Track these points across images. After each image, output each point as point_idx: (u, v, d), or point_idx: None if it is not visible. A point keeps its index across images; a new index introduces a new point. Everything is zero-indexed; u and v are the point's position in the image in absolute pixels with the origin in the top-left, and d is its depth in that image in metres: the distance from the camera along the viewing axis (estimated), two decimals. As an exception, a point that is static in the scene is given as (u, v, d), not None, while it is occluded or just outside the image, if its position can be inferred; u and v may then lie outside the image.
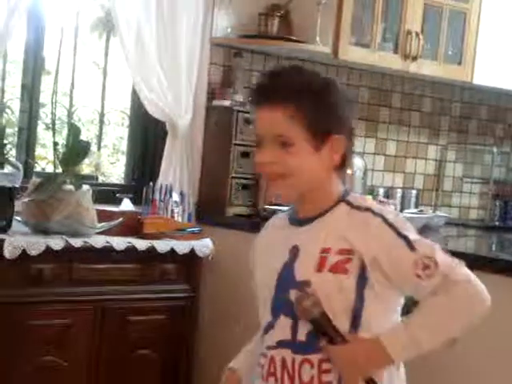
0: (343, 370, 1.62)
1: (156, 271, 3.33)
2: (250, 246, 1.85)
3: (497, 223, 4.89)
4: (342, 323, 1.63)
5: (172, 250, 3.36)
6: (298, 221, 1.72)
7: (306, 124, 1.65)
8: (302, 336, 1.65)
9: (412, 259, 1.62)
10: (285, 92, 1.65)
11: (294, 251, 1.68)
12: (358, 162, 4.18)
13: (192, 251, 3.43)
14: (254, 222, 3.63)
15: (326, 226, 1.68)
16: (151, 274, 3.32)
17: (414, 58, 4.17)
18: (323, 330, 1.62)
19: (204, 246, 3.48)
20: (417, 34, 4.15)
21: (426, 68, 4.28)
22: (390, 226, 1.64)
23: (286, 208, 1.84)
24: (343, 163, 1.71)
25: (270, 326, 1.70)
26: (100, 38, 3.86)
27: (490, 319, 2.92)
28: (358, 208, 1.68)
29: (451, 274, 1.62)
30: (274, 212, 3.69)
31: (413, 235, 1.65)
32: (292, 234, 1.72)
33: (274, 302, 1.69)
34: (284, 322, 1.66)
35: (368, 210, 1.67)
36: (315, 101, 1.66)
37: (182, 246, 3.40)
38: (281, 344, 1.67)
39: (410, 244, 1.63)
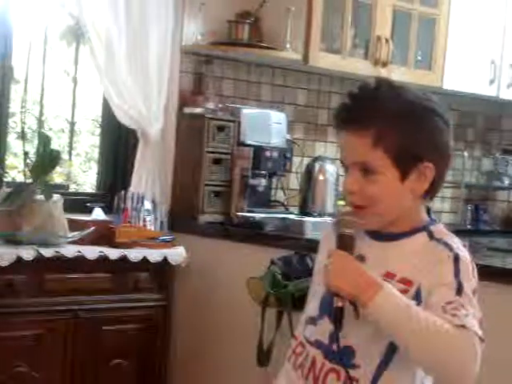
0: (334, 268, 1.54)
1: (129, 280, 3.32)
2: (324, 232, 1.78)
3: (469, 227, 4.92)
4: (376, 350, 1.58)
5: (144, 259, 3.34)
6: (372, 232, 1.64)
7: (394, 150, 1.57)
8: (337, 347, 1.58)
9: (451, 298, 1.51)
10: (372, 116, 1.57)
11: (359, 260, 1.59)
12: (330, 167, 4.18)
13: (165, 260, 3.42)
14: (227, 229, 3.63)
15: (399, 250, 1.61)
16: (124, 283, 3.31)
17: (385, 64, 4.19)
18: (344, 249, 1.56)
19: (177, 254, 3.47)
20: (386, 40, 4.17)
21: (396, 73, 4.29)
22: (455, 262, 1.55)
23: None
24: (432, 190, 1.64)
25: (313, 321, 1.67)
26: (69, 47, 3.84)
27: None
28: (438, 240, 1.61)
29: (471, 333, 1.49)
30: (248, 219, 3.73)
31: (468, 288, 1.54)
32: (362, 241, 1.63)
33: (323, 301, 1.65)
34: (326, 325, 1.63)
35: (446, 244, 1.59)
36: (410, 127, 1.58)
37: (154, 255, 3.39)
38: (317, 344, 1.64)
39: (459, 288, 1.53)
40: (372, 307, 1.50)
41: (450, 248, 1.58)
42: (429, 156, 1.60)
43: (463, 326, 1.46)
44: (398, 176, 1.58)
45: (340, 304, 1.53)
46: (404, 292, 1.54)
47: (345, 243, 1.56)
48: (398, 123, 1.57)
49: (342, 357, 1.59)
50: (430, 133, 1.60)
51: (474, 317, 1.50)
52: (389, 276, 1.57)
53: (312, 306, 1.70)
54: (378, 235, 1.64)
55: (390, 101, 1.59)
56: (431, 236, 1.62)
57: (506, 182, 5.07)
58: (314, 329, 1.66)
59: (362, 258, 1.61)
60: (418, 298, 1.55)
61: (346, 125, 1.60)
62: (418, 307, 1.51)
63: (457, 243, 1.61)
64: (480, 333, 1.48)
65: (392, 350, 1.57)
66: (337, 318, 1.53)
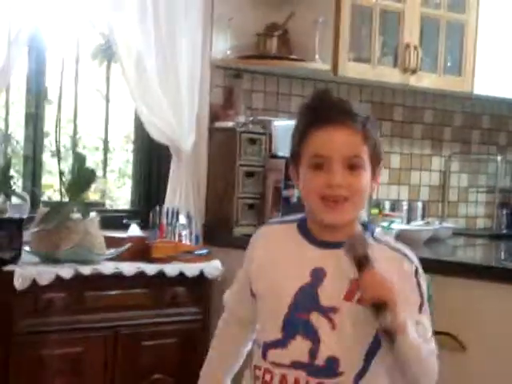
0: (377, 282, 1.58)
1: (166, 295, 3.34)
2: (248, 246, 1.84)
3: (504, 231, 4.88)
4: (358, 354, 1.65)
5: (181, 274, 3.37)
6: (321, 242, 1.69)
7: (371, 151, 1.67)
8: (320, 361, 1.63)
9: (416, 317, 1.64)
10: (357, 116, 1.67)
11: (319, 274, 1.66)
12: (362, 176, 4.18)
13: (201, 273, 3.43)
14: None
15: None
16: (161, 298, 3.33)
17: (414, 71, 4.18)
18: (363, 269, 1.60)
19: (213, 267, 3.49)
20: (415, 47, 4.17)
21: (426, 80, 4.30)
22: (417, 278, 1.68)
23: (275, 219, 1.85)
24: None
25: (279, 344, 1.67)
26: (100, 65, 3.89)
27: (504, 327, 2.93)
28: (393, 249, 1.70)
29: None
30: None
31: (426, 302, 1.69)
32: (313, 254, 1.68)
33: (286, 321, 1.67)
34: (302, 344, 1.64)
35: (405, 255, 1.69)
36: (376, 132, 1.71)
37: (190, 269, 3.41)
38: (295, 365, 1.65)
39: (421, 306, 1.66)
40: (404, 330, 1.57)
41: (408, 259, 1.68)
42: (382, 159, 1.72)
43: (433, 351, 1.65)
44: (370, 174, 1.68)
45: (390, 318, 1.54)
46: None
47: (367, 262, 1.58)
48: (371, 128, 1.69)
49: (329, 368, 1.63)
50: (379, 139, 1.73)
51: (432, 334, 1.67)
52: (356, 282, 1.61)
53: (272, 330, 1.69)
54: (329, 243, 1.68)
55: (358, 107, 1.70)
56: (379, 241, 1.71)
57: (540, 185, 5.03)
58: (285, 352, 1.66)
59: (322, 272, 1.66)
60: None
61: (338, 120, 1.65)
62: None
63: (404, 246, 1.71)
64: (435, 349, 1.67)
65: (371, 356, 1.65)
66: (390, 334, 1.55)
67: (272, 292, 1.71)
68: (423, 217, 4.58)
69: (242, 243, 3.62)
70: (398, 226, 4.05)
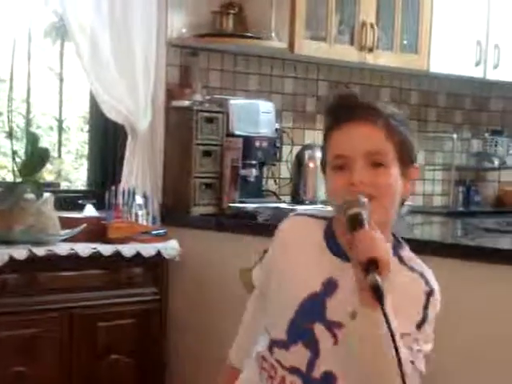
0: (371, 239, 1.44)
1: (123, 276, 3.32)
2: (281, 233, 1.71)
3: (460, 209, 4.93)
4: (357, 374, 1.55)
5: (138, 254, 3.34)
6: (343, 253, 1.56)
7: (397, 147, 1.59)
8: (317, 373, 1.58)
9: (409, 330, 1.52)
10: (379, 111, 1.60)
11: (331, 286, 1.58)
12: (320, 155, 4.18)
13: (158, 254, 3.41)
14: (220, 220, 3.63)
15: None
16: (118, 278, 3.31)
17: (371, 50, 4.18)
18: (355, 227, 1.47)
19: (170, 247, 3.47)
20: (372, 25, 4.16)
21: (383, 59, 4.30)
22: (427, 300, 1.57)
23: (310, 210, 1.73)
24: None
25: (283, 345, 1.62)
26: (54, 44, 3.83)
27: (457, 304, 2.95)
28: (409, 268, 1.60)
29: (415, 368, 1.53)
30: (241, 210, 3.73)
31: (428, 327, 1.57)
32: (331, 264, 1.60)
33: (291, 325, 1.61)
34: (301, 352, 1.59)
35: (420, 274, 1.59)
36: (407, 131, 1.63)
37: (147, 249, 3.38)
38: (293, 370, 1.60)
39: (420, 325, 1.55)
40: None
41: (426, 280, 1.58)
42: (415, 160, 1.64)
43: (412, 362, 1.50)
44: (399, 173, 1.59)
45: (379, 279, 1.39)
46: None
47: (357, 222, 1.47)
48: (398, 125, 1.61)
49: (323, 382, 1.57)
50: (415, 140, 1.65)
51: (423, 355, 1.53)
52: None
53: (278, 327, 1.62)
54: (340, 252, 1.58)
55: (383, 105, 1.64)
56: (400, 259, 1.61)
57: (496, 162, 5.08)
58: (287, 354, 1.61)
59: (334, 284, 1.57)
60: None
61: (357, 117, 1.58)
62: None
63: (428, 271, 1.60)
64: (423, 370, 1.53)
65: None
66: (379, 294, 1.39)
67: (283, 290, 1.65)
68: (381, 195, 4.59)
69: (200, 223, 3.66)
70: (356, 204, 4.06)
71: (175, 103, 3.82)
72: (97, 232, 3.35)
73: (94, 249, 3.22)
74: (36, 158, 3.24)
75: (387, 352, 1.40)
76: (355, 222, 1.47)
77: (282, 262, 1.68)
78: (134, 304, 3.36)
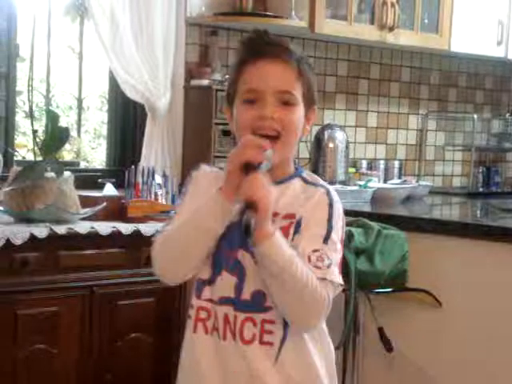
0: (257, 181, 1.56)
1: (142, 255, 3.31)
2: (190, 181, 1.79)
3: (480, 189, 4.91)
4: None
5: (157, 233, 3.34)
6: None
7: (305, 90, 1.68)
8: (246, 295, 1.65)
9: (317, 246, 1.63)
10: (292, 52, 1.67)
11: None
12: (339, 135, 4.17)
13: (177, 232, 3.41)
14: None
15: (280, 192, 1.66)
16: (138, 257, 3.31)
17: (391, 29, 4.16)
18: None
19: (189, 226, 3.47)
20: (392, 4, 4.13)
21: (403, 38, 4.27)
22: (330, 208, 1.67)
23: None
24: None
25: (209, 281, 1.69)
26: (73, 22, 3.82)
27: (479, 282, 2.95)
28: (313, 184, 1.72)
29: (327, 283, 1.62)
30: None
31: (335, 234, 1.67)
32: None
33: (215, 258, 1.68)
34: (227, 279, 1.66)
35: (323, 186, 1.71)
36: (312, 73, 1.72)
37: (167, 228, 3.38)
38: (223, 300, 1.67)
39: (327, 236, 1.65)
40: (268, 236, 1.55)
41: (327, 191, 1.69)
42: (315, 102, 1.74)
43: (323, 279, 1.60)
44: (303, 112, 1.69)
45: (253, 220, 1.52)
46: (289, 225, 1.65)
47: (254, 168, 1.57)
48: (307, 67, 1.70)
49: (256, 303, 1.64)
50: (315, 80, 1.75)
51: (335, 264, 1.64)
52: (274, 215, 1.62)
53: (205, 268, 1.69)
54: None
55: (295, 47, 1.71)
56: (305, 181, 1.72)
57: (517, 143, 5.05)
58: (214, 288, 1.67)
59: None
60: (298, 227, 1.64)
61: (272, 54, 1.65)
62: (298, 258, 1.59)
63: (330, 187, 1.72)
64: (338, 279, 1.63)
65: None
66: (248, 230, 1.52)
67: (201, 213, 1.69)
68: (400, 176, 4.58)
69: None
70: (375, 184, 4.05)
71: (194, 82, 3.82)
72: (116, 211, 3.35)
73: (114, 227, 3.23)
74: (56, 137, 3.24)
75: (298, 275, 1.56)
76: (249, 168, 1.57)
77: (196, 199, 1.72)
78: (153, 283, 3.35)
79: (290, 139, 1.67)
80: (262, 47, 1.66)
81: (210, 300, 1.69)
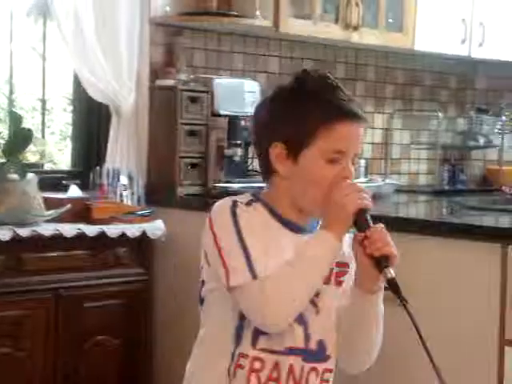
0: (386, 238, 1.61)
1: (108, 256, 3.30)
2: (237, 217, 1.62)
3: (446, 187, 4.94)
4: (333, 330, 1.69)
5: (123, 234, 3.33)
6: (298, 227, 1.66)
7: None
8: (313, 345, 1.65)
9: None
10: (365, 117, 1.70)
11: None
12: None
13: (143, 234, 3.40)
14: (205, 200, 3.62)
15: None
16: (103, 259, 3.29)
17: (355, 28, 4.17)
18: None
19: (155, 228, 3.46)
20: (356, 4, 4.14)
21: (368, 37, 4.29)
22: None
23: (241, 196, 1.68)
24: None
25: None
26: (36, 23, 3.79)
27: (444, 280, 2.97)
28: None
29: None
30: (226, 190, 3.72)
31: None
32: (292, 240, 1.64)
33: None
34: (295, 329, 1.63)
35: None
36: None
37: (133, 230, 3.37)
38: (292, 351, 1.63)
39: None
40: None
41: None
42: None
43: None
44: None
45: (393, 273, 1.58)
46: (343, 273, 1.70)
47: (362, 216, 1.59)
48: None
49: (320, 352, 1.65)
50: None
51: None
52: (341, 265, 1.68)
53: None
54: (303, 228, 1.66)
55: None
56: None
57: (481, 141, 5.09)
58: (277, 337, 1.61)
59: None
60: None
61: (361, 118, 1.65)
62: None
63: None
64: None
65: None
66: (398, 290, 1.57)
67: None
68: (366, 174, 4.60)
69: (185, 203, 3.65)
70: (341, 183, 4.06)
71: (159, 83, 3.80)
72: (81, 212, 3.33)
73: (79, 229, 3.21)
74: (19, 138, 3.21)
75: (379, 327, 1.67)
76: (360, 214, 1.59)
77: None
78: (119, 284, 3.35)
79: None
80: (353, 107, 1.64)
81: (268, 350, 1.63)
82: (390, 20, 4.40)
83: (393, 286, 1.55)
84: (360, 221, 1.58)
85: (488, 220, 3.46)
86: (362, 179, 4.46)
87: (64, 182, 3.61)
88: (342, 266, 1.68)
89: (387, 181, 4.48)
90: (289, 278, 1.56)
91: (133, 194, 3.60)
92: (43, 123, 3.94)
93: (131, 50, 3.70)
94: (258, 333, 1.62)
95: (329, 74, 1.69)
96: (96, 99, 3.67)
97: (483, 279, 2.86)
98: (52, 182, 3.60)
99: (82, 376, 3.22)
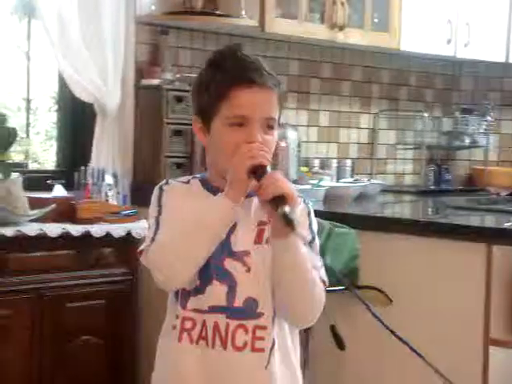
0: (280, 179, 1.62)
1: (93, 256, 3.29)
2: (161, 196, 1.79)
3: (431, 187, 4.95)
4: (271, 295, 1.69)
5: (108, 234, 3.31)
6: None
7: (280, 112, 1.75)
8: (239, 302, 1.68)
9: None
10: (277, 81, 1.72)
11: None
12: (291, 134, 4.17)
13: (128, 234, 3.39)
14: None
15: (251, 201, 1.71)
16: (88, 259, 3.28)
17: (341, 28, 4.17)
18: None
19: (140, 228, 3.44)
20: (342, 3, 4.14)
21: (354, 37, 4.29)
22: (309, 216, 1.79)
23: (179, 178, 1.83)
24: None
25: (197, 291, 1.69)
26: (20, 21, 3.77)
27: (430, 279, 2.97)
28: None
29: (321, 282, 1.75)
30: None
31: (317, 240, 1.78)
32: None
33: (202, 269, 1.67)
34: (218, 288, 1.68)
35: (301, 197, 1.76)
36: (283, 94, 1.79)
37: (118, 230, 3.36)
38: (214, 309, 1.68)
39: (312, 240, 1.75)
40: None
41: (304, 200, 1.79)
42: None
43: (318, 281, 1.69)
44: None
45: (288, 209, 1.56)
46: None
47: (262, 172, 1.62)
48: (282, 92, 1.76)
49: (248, 309, 1.68)
50: None
51: (322, 266, 1.73)
52: (263, 224, 1.69)
53: None
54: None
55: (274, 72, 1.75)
56: None
57: (467, 141, 5.10)
58: (202, 297, 1.68)
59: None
60: None
61: (262, 82, 1.68)
62: None
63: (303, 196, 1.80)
64: (327, 280, 1.72)
65: None
66: (290, 221, 1.56)
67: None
68: (352, 174, 4.60)
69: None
70: (327, 183, 4.07)
71: (145, 82, 3.79)
72: (66, 212, 3.32)
73: (64, 229, 3.19)
74: (3, 137, 3.19)
75: (303, 271, 1.65)
76: (259, 171, 1.62)
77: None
78: (104, 284, 3.34)
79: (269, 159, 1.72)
80: (251, 73, 1.68)
81: (197, 310, 1.69)
82: (376, 20, 4.40)
83: (285, 220, 1.55)
84: (257, 177, 1.61)
85: (473, 220, 3.48)
86: (348, 179, 4.47)
87: (49, 181, 3.59)
88: (263, 224, 1.70)
89: (373, 181, 4.49)
90: (174, 240, 1.63)
91: (118, 193, 3.59)
92: (28, 122, 3.91)
93: (116, 49, 3.69)
94: (187, 294, 1.70)
95: (240, 46, 1.75)
96: (81, 99, 3.65)
97: (468, 278, 2.87)
98: (37, 181, 3.58)
99: (66, 376, 3.20)
